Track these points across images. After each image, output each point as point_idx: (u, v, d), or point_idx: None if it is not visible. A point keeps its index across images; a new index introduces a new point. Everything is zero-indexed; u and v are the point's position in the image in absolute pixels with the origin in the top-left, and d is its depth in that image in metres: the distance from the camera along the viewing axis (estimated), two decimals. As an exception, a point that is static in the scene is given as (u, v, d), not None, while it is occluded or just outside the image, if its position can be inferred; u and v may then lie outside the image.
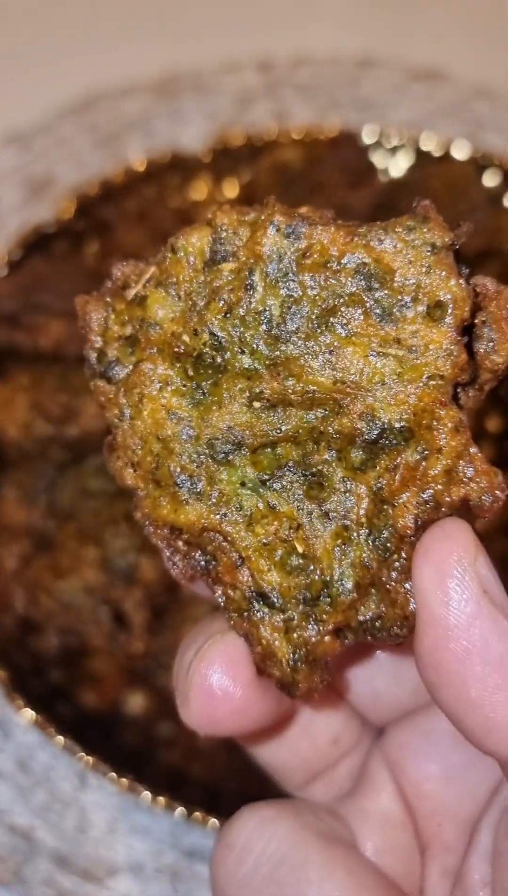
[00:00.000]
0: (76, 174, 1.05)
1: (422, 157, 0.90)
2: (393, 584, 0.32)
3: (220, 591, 0.34)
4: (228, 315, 0.33)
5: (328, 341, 0.33)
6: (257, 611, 0.33)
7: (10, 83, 1.15)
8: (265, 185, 0.86)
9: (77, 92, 1.11)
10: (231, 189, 0.93)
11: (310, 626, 0.33)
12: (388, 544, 0.32)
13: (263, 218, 0.34)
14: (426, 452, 0.32)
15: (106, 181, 0.90)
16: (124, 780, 0.59)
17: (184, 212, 0.89)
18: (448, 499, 0.32)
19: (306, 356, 0.33)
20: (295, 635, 0.33)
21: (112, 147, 1.08)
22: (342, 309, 0.33)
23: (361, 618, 0.33)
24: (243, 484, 0.34)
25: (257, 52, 1.14)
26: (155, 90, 1.13)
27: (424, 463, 0.32)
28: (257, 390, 0.33)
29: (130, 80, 1.12)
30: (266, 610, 0.33)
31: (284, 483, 0.34)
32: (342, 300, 0.33)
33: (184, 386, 0.34)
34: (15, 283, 0.77)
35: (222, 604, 0.34)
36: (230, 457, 0.34)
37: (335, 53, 1.13)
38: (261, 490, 0.34)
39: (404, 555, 0.32)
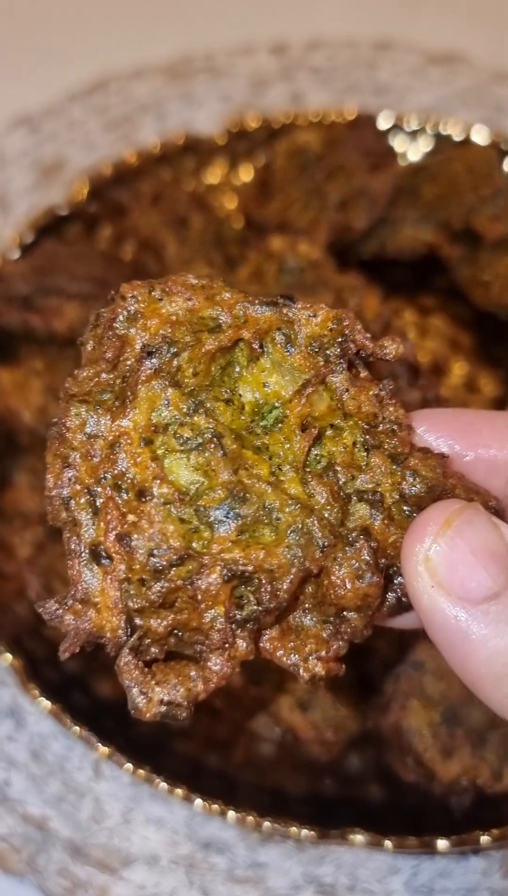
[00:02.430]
0: (86, 157, 1.03)
1: (442, 141, 0.89)
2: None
3: None
4: None
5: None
6: None
7: (21, 67, 1.13)
8: (282, 169, 0.85)
9: (88, 75, 1.09)
10: (247, 172, 0.92)
11: None
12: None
13: None
14: None
15: (120, 163, 0.88)
16: (141, 771, 0.58)
17: (199, 195, 0.88)
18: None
19: None
20: None
21: (123, 130, 1.06)
22: None
23: None
24: None
25: (270, 37, 1.13)
26: (167, 72, 1.12)
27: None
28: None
29: (141, 63, 1.11)
30: None
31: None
32: None
33: None
34: (28, 266, 0.76)
35: None
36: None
37: (351, 37, 1.11)
38: None
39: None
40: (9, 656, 0.62)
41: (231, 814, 0.57)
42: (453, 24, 1.18)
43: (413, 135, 0.90)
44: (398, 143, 0.90)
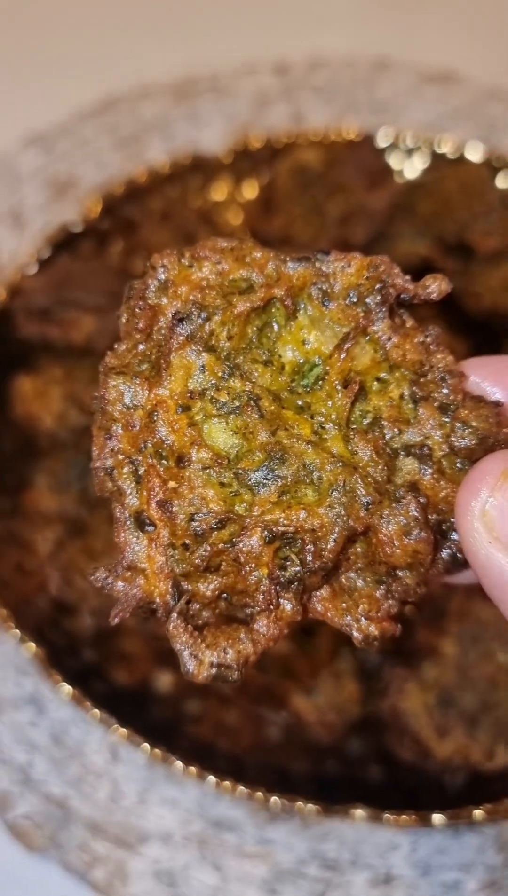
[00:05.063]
0: (97, 175, 1.08)
1: (437, 158, 0.93)
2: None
3: None
4: None
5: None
6: None
7: (31, 85, 1.18)
8: (285, 187, 0.89)
9: (96, 94, 1.13)
10: (251, 190, 0.96)
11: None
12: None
13: None
14: None
15: (131, 181, 0.93)
16: (157, 751, 0.62)
17: (206, 212, 0.92)
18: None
19: None
20: None
21: (132, 148, 1.11)
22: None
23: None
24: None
25: (272, 55, 1.17)
26: (173, 92, 1.16)
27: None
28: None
29: (148, 83, 1.15)
30: None
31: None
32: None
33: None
34: (45, 280, 0.80)
35: None
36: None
37: (351, 56, 1.16)
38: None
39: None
40: (32, 646, 0.66)
41: (241, 789, 0.61)
42: (448, 44, 1.22)
43: (409, 153, 0.94)
44: (394, 161, 0.94)
